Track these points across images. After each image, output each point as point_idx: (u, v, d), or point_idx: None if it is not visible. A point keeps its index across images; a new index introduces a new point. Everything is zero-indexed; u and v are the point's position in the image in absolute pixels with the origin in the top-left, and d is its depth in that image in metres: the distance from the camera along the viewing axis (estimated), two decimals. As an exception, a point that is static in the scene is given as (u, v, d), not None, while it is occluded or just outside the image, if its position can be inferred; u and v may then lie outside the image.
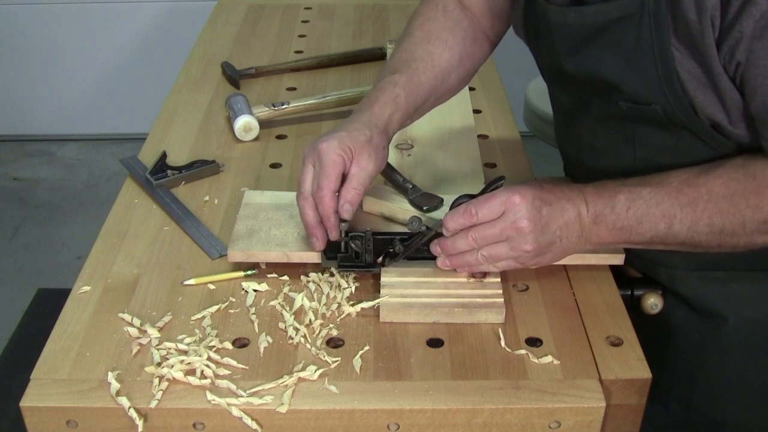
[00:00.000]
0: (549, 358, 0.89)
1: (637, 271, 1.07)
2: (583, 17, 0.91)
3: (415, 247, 0.97)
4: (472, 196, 0.92)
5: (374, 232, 0.98)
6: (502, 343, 0.91)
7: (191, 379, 0.85)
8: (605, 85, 0.92)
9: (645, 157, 0.96)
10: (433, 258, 0.96)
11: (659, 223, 0.89)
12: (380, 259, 0.98)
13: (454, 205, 0.93)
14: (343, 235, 0.96)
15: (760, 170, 0.86)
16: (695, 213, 0.87)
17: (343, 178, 0.95)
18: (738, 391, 1.05)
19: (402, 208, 1.06)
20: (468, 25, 1.11)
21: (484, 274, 0.98)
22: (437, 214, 1.03)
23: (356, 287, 0.99)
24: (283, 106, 1.38)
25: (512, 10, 1.07)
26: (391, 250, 0.97)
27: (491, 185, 0.93)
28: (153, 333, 0.92)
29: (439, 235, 0.94)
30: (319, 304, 0.96)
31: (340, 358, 0.89)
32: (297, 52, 1.68)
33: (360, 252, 0.98)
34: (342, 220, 0.95)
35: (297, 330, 0.92)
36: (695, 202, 0.87)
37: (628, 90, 0.90)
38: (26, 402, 0.84)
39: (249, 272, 1.01)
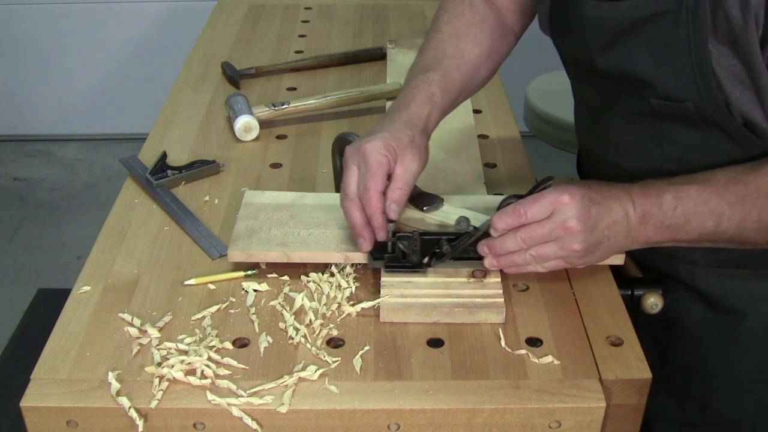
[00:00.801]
0: (549, 358, 0.89)
1: (639, 270, 1.07)
2: (618, 12, 0.90)
3: (462, 248, 0.96)
4: (520, 197, 0.92)
5: (421, 233, 0.97)
6: (502, 343, 0.91)
7: (191, 379, 0.85)
8: (637, 81, 0.92)
9: (672, 156, 0.96)
10: (479, 258, 0.95)
11: (707, 221, 0.89)
12: (426, 259, 0.97)
13: (502, 205, 0.92)
14: (390, 236, 0.96)
15: None
16: (744, 210, 0.87)
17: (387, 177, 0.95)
18: (755, 391, 1.04)
19: (402, 204, 1.05)
20: (494, 20, 1.11)
21: (485, 274, 0.98)
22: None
23: (356, 287, 0.99)
24: (283, 106, 1.38)
25: (539, 5, 1.07)
26: (438, 250, 0.97)
27: (539, 185, 0.92)
28: (153, 333, 0.92)
29: (486, 235, 0.93)
30: (319, 304, 0.96)
31: (340, 358, 0.89)
32: (297, 52, 1.68)
33: (407, 252, 0.97)
34: (389, 221, 0.94)
35: (297, 330, 0.92)
36: (744, 199, 0.87)
37: (660, 87, 0.90)
38: (26, 402, 0.84)
39: (249, 272, 1.01)
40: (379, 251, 0.97)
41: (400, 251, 0.97)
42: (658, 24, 0.87)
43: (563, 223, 0.88)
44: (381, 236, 0.96)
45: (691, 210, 0.89)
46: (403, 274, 0.97)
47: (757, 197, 0.87)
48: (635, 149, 1.01)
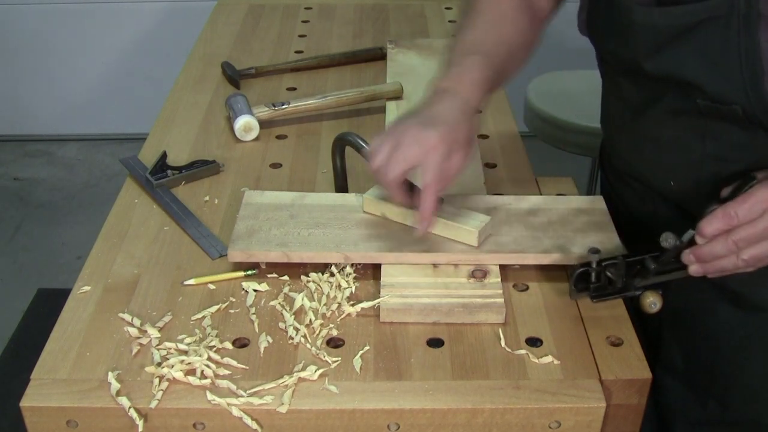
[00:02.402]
0: (549, 358, 0.89)
1: None
2: (670, 18, 0.90)
3: (666, 261, 0.93)
4: (723, 201, 0.89)
5: (624, 255, 0.95)
6: (502, 343, 0.91)
7: (191, 379, 0.85)
8: (685, 83, 0.92)
9: (714, 153, 0.96)
10: (681, 269, 0.92)
11: None
12: (632, 280, 0.94)
13: (707, 214, 0.89)
14: (594, 265, 0.94)
15: None
16: None
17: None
18: None
19: (402, 208, 1.05)
20: (528, 7, 1.08)
21: (485, 274, 0.98)
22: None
23: (356, 287, 0.99)
24: (283, 106, 1.38)
25: (580, 8, 1.05)
26: (639, 267, 0.94)
27: (743, 185, 0.88)
28: (153, 333, 0.92)
29: (691, 244, 0.90)
30: (319, 304, 0.96)
31: (340, 358, 0.89)
32: (297, 52, 1.68)
33: (614, 279, 0.94)
34: (595, 251, 0.93)
35: (297, 330, 0.92)
36: None
37: (709, 90, 0.90)
38: (26, 402, 0.84)
39: (249, 272, 1.01)
40: (582, 281, 0.95)
41: (606, 278, 0.95)
42: (709, 29, 0.87)
43: None
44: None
45: None
46: (403, 275, 0.97)
47: None
48: (676, 145, 1.00)
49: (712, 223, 0.87)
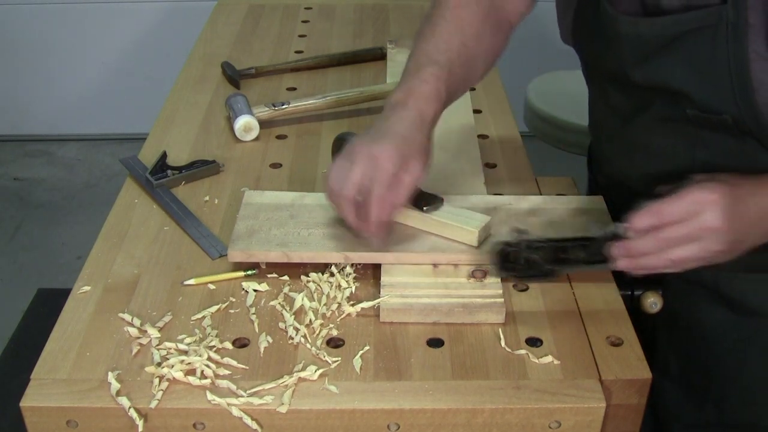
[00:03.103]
0: (549, 358, 0.89)
1: None
2: (656, 28, 0.89)
3: (592, 252, 0.92)
4: (657, 198, 0.88)
5: (549, 239, 0.94)
6: (502, 343, 0.91)
7: (191, 379, 0.85)
8: (674, 94, 0.91)
9: (704, 161, 0.95)
10: (604, 262, 0.91)
11: None
12: (555, 267, 0.94)
13: (639, 208, 0.88)
14: (524, 247, 0.93)
15: None
16: None
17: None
18: None
19: (402, 209, 1.05)
20: (495, 15, 1.07)
21: (484, 275, 0.98)
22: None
23: (356, 287, 0.99)
24: (283, 106, 1.38)
25: (561, 16, 1.05)
26: (563, 256, 0.94)
27: (676, 185, 0.88)
28: (153, 333, 0.92)
29: (619, 237, 0.89)
30: (320, 304, 0.96)
31: (340, 358, 0.89)
32: (297, 52, 1.68)
33: (538, 261, 0.94)
34: (524, 231, 0.93)
35: (297, 330, 0.92)
36: None
37: (698, 100, 0.89)
38: (26, 402, 0.84)
39: (249, 272, 1.01)
40: (507, 261, 0.94)
41: (526, 261, 0.94)
42: (698, 39, 0.86)
43: (706, 223, 0.83)
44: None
45: None
46: (403, 275, 0.97)
47: None
48: (666, 153, 0.99)
49: (643, 218, 0.86)
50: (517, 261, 0.94)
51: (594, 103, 1.13)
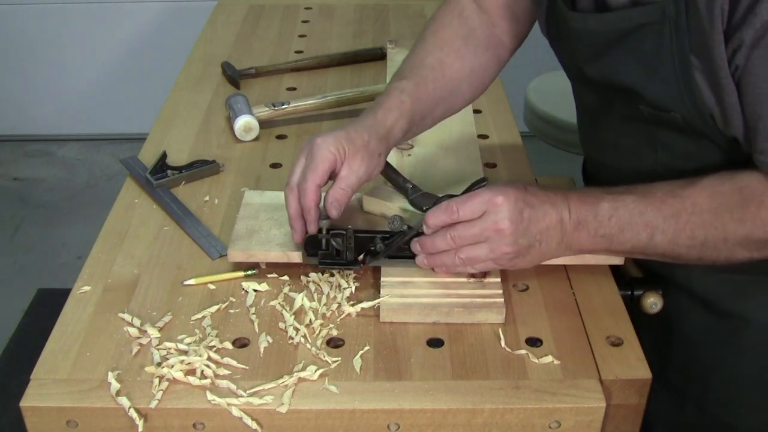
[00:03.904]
0: (549, 358, 0.89)
1: (639, 270, 1.07)
2: (604, 24, 0.90)
3: (396, 246, 0.96)
4: (454, 196, 0.92)
5: (355, 230, 0.97)
6: (502, 343, 0.91)
7: (191, 379, 0.85)
8: (626, 90, 0.91)
9: (666, 161, 0.95)
10: (412, 257, 0.95)
11: (641, 233, 0.88)
12: (361, 257, 0.98)
13: (436, 203, 0.93)
14: (324, 232, 0.97)
15: (747, 184, 0.85)
16: (678, 225, 0.87)
17: (334, 177, 0.96)
18: (753, 395, 1.04)
19: (402, 209, 1.06)
20: (482, 33, 1.10)
21: (485, 274, 0.98)
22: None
23: (356, 287, 0.99)
24: (283, 106, 1.38)
25: (538, 11, 1.06)
26: (372, 248, 0.97)
27: (474, 185, 0.92)
28: (153, 333, 0.92)
29: (422, 234, 0.93)
30: (319, 304, 0.96)
31: (340, 358, 0.89)
32: (297, 52, 1.68)
33: (341, 249, 0.98)
34: (325, 218, 0.95)
35: (297, 330, 0.92)
36: (678, 213, 0.87)
37: (648, 96, 0.89)
38: (26, 402, 0.84)
39: (249, 272, 1.01)
40: (313, 247, 0.98)
41: (334, 248, 0.97)
42: (644, 35, 0.86)
43: (495, 224, 0.88)
44: (311, 228, 0.97)
45: (626, 221, 0.88)
46: (403, 275, 0.98)
47: (692, 213, 0.86)
48: (631, 152, 1.00)
49: (436, 215, 0.90)
50: (325, 248, 0.97)
51: (575, 100, 1.14)
